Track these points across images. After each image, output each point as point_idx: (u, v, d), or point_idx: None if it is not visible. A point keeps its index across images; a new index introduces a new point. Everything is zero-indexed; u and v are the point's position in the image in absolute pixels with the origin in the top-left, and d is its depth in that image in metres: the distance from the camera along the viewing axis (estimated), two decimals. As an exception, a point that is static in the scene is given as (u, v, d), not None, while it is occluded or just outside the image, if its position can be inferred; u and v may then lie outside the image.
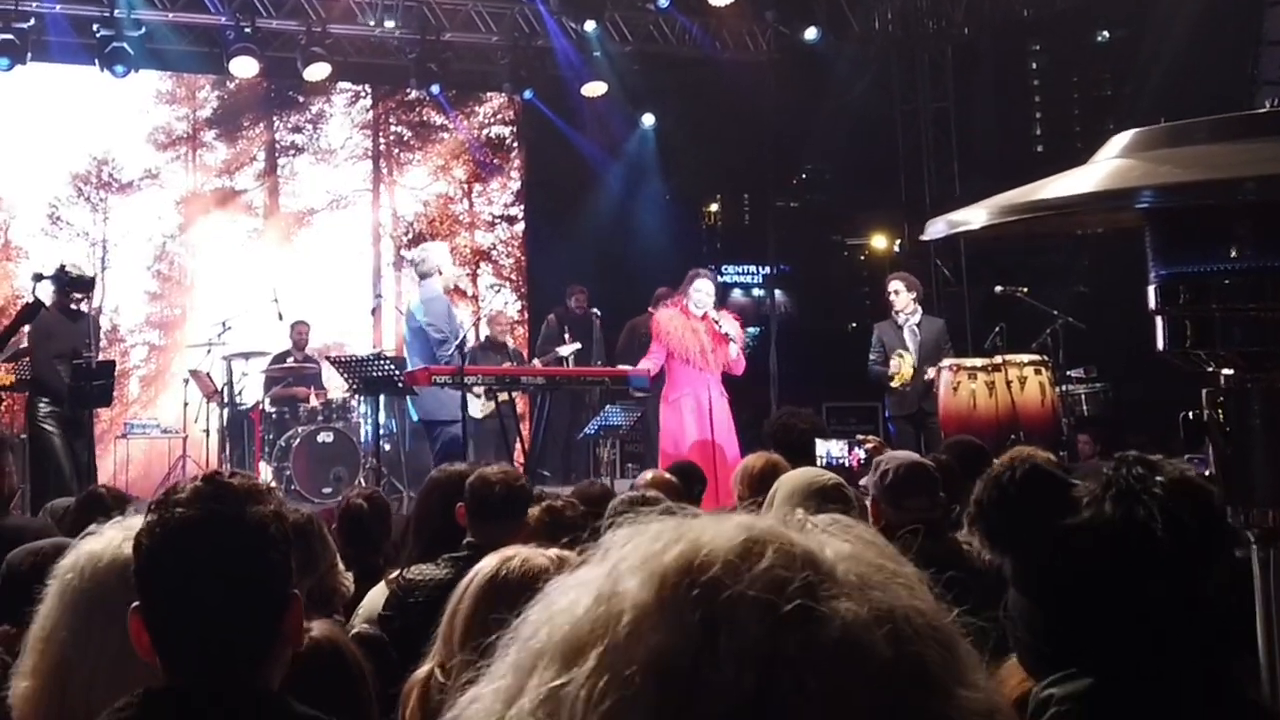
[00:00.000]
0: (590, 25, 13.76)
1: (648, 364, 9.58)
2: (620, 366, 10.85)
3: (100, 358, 9.73)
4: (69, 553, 2.31)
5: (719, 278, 10.03)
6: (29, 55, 12.16)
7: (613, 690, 0.80)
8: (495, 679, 0.89)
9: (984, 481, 1.94)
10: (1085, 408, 9.46)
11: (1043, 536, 1.80)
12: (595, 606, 0.85)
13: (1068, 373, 9.23)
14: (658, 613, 0.82)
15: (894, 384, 9.83)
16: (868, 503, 4.69)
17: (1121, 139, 2.13)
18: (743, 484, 5.34)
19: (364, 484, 10.64)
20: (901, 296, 10.24)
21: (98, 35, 12.25)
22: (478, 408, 11.50)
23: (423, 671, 2.54)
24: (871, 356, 10.29)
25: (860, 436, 7.42)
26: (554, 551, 2.70)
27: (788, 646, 0.79)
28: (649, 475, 5.90)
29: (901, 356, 9.83)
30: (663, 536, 0.87)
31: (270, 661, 1.89)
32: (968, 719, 0.82)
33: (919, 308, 10.33)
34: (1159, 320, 2.42)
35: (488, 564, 2.61)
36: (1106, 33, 18.98)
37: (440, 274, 9.59)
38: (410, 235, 15.63)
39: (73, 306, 9.18)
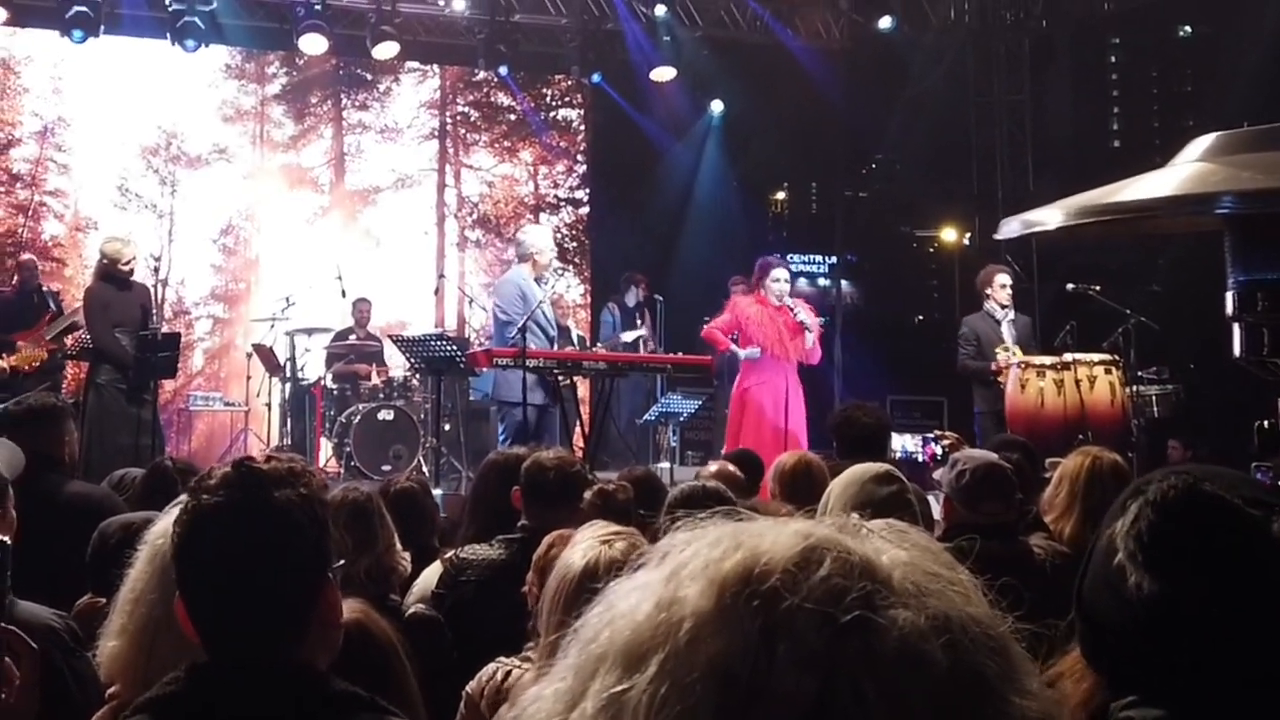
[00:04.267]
0: (660, 9, 13.74)
1: (740, 348, 9.52)
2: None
3: (165, 329, 9.82)
4: (160, 519, 2.37)
5: (786, 267, 9.98)
6: (102, 28, 12.30)
7: (674, 697, 0.81)
8: (556, 679, 0.90)
9: (1148, 505, 1.81)
10: (1156, 409, 9.25)
11: (1217, 564, 1.67)
12: (656, 613, 0.86)
13: (1138, 373, 9.02)
14: (718, 621, 0.83)
15: (1001, 379, 9.49)
16: (931, 498, 4.61)
17: (1203, 141, 2.06)
18: (777, 482, 5.27)
19: (422, 463, 10.67)
20: (1009, 290, 9.95)
21: (170, 9, 12.39)
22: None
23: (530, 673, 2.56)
24: (964, 350, 9.85)
25: (938, 432, 7.29)
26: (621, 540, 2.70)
27: (846, 655, 0.80)
28: (713, 467, 5.84)
29: (1008, 350, 9.52)
30: (722, 543, 0.88)
31: (305, 642, 1.90)
32: None
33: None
34: (1236, 326, 2.35)
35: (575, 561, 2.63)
36: (1189, 28, 18.60)
37: (535, 260, 9.47)
38: (475, 216, 15.66)
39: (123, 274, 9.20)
